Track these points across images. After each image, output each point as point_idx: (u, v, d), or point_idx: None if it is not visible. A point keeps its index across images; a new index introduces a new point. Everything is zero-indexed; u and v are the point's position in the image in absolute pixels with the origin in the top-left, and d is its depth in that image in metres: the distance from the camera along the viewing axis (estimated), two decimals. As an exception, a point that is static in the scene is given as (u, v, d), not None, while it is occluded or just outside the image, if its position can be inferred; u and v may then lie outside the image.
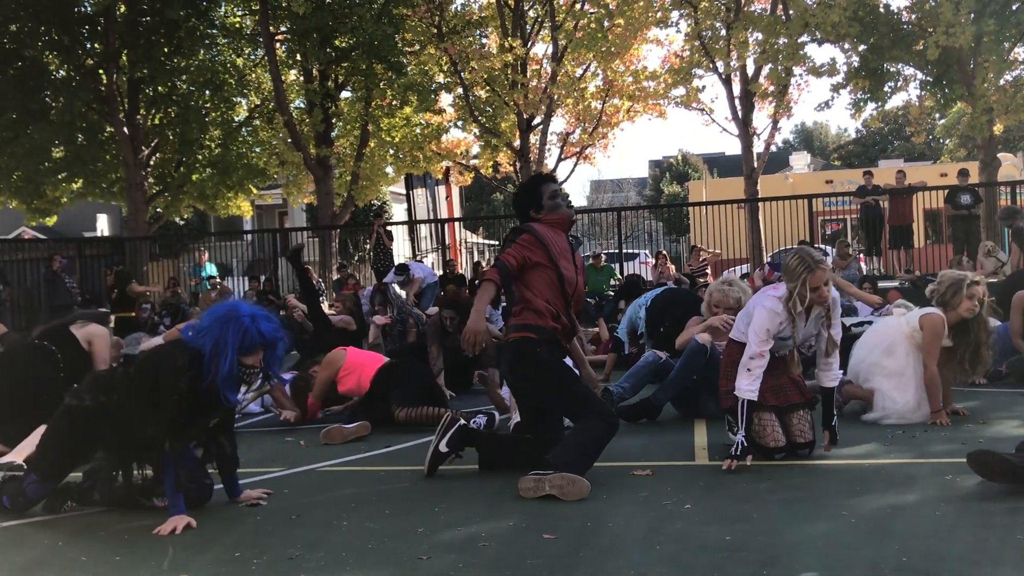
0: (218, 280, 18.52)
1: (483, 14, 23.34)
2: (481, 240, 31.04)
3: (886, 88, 20.59)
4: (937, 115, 25.03)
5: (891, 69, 20.44)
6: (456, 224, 23.11)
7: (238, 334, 3.96)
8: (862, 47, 19.65)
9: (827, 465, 4.69)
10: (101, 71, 20.42)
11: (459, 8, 23.23)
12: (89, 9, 20.49)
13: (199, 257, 20.03)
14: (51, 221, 23.79)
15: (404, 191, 27.38)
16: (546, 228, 4.74)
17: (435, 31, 21.86)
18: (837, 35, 19.07)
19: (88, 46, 20.80)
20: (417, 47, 22.24)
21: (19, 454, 4.70)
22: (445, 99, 23.30)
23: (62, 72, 21.21)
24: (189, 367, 4.02)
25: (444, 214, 25.60)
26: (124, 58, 20.27)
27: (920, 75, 20.28)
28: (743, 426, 4.62)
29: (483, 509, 4.09)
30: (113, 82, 20.22)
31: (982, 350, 5.63)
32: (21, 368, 5.97)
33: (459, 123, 23.61)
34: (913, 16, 19.68)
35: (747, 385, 4.64)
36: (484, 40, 23.71)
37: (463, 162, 25.47)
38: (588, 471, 4.37)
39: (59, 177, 21.99)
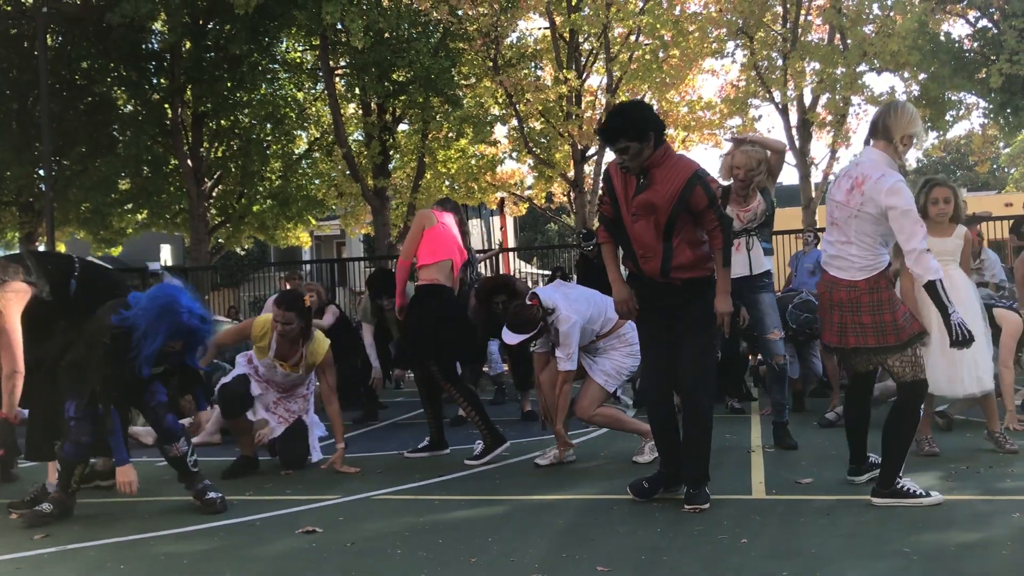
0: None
1: (538, 47, 23.53)
2: (535, 270, 31.00)
3: (948, 116, 20.26)
4: (1001, 144, 24.56)
5: (953, 97, 20.12)
6: (511, 254, 23.18)
7: (172, 325, 4.43)
8: (922, 76, 19.39)
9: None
10: (167, 105, 20.98)
11: (514, 41, 23.47)
12: (156, 46, 21.12)
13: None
14: (116, 251, 24.37)
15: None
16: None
17: (491, 64, 22.07)
18: (896, 64, 18.87)
19: (155, 81, 21.39)
20: (473, 80, 22.48)
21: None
22: (500, 131, 23.49)
23: (129, 107, 21.86)
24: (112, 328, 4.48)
25: (498, 244, 25.72)
26: (189, 93, 20.80)
27: (983, 103, 19.93)
28: (953, 305, 4.19)
29: (537, 539, 4.07)
30: (178, 116, 20.74)
31: None
32: None
33: (514, 154, 23.75)
34: (975, 44, 19.38)
35: (934, 263, 4.21)
36: (539, 72, 23.88)
37: (517, 193, 25.60)
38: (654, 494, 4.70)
39: (125, 208, 22.60)
